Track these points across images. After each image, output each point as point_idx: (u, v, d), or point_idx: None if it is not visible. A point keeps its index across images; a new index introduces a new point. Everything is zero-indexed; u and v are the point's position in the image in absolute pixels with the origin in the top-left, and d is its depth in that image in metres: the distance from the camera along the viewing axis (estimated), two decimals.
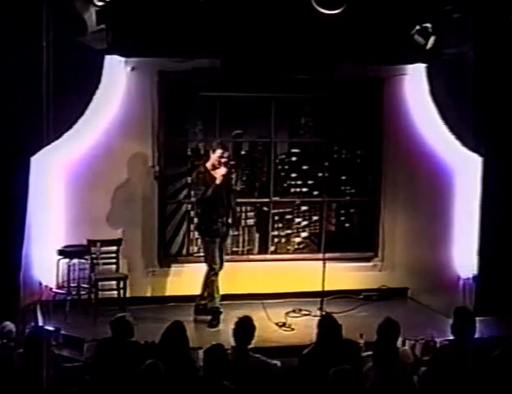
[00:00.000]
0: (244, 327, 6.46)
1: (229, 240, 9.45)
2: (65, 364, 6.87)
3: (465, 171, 9.59)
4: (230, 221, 9.11)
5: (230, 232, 9.32)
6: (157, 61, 9.25)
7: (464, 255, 9.62)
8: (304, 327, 8.76)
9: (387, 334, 6.43)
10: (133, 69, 9.28)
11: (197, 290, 9.27)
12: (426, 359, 7.04)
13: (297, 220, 10.14)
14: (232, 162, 9.32)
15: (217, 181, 8.80)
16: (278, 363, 6.65)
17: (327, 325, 6.61)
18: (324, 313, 8.50)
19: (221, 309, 8.97)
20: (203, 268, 9.26)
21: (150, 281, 9.59)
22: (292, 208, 10.11)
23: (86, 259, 9.13)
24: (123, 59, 9.13)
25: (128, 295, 9.10)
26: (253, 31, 8.48)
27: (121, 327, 6.54)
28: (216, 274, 8.99)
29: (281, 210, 10.08)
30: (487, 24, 8.67)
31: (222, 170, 8.84)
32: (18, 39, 7.72)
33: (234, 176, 9.47)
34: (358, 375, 5.85)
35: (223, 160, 8.88)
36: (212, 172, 8.89)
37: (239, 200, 9.61)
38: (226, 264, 9.18)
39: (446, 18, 8.57)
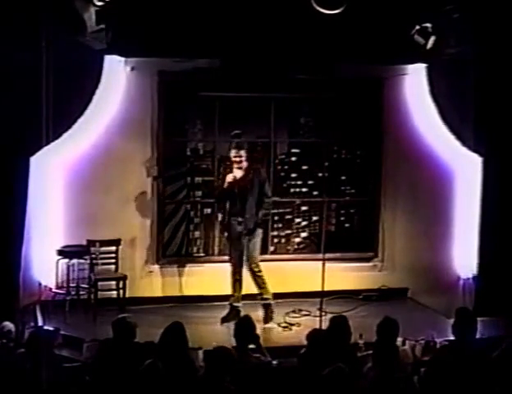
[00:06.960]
0: (245, 327, 6.45)
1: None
2: (64, 364, 6.86)
3: (465, 171, 9.61)
4: None
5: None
6: (157, 61, 9.24)
7: (463, 255, 9.64)
8: (303, 327, 8.76)
9: (386, 333, 6.44)
10: (133, 69, 9.26)
11: (195, 290, 9.26)
12: (426, 360, 7.03)
13: (297, 220, 10.14)
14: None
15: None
16: (275, 362, 6.65)
17: (339, 326, 6.62)
18: (324, 313, 8.47)
19: None
20: (202, 267, 9.22)
21: (149, 282, 9.57)
22: (292, 208, 10.12)
23: (85, 259, 9.11)
24: (123, 59, 9.11)
25: (127, 295, 9.08)
26: (252, 31, 8.47)
27: (122, 328, 6.52)
28: None
29: (281, 210, 10.08)
30: (487, 24, 8.68)
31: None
32: (18, 39, 7.72)
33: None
34: (351, 373, 5.82)
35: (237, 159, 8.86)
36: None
37: None
38: (225, 265, 9.17)
39: (446, 18, 8.56)
